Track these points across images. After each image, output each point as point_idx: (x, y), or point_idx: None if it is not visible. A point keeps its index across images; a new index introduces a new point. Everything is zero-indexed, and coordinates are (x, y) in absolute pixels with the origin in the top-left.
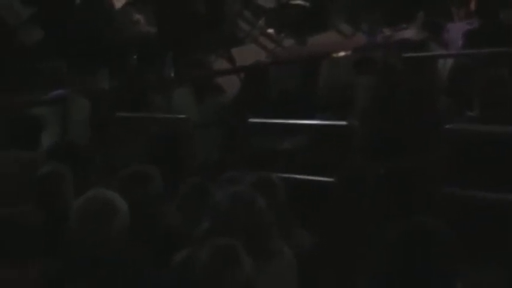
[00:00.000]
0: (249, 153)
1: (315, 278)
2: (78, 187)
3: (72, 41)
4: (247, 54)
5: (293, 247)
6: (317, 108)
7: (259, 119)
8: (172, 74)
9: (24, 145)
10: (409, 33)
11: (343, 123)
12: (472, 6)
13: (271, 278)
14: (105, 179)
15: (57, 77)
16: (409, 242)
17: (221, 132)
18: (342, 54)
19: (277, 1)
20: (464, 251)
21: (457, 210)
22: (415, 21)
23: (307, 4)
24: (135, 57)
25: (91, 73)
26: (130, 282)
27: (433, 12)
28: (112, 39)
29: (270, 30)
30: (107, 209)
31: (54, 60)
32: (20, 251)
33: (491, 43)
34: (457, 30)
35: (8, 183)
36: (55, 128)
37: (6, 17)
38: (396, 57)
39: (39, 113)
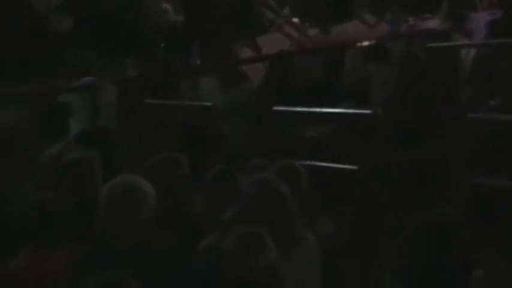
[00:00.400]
0: (273, 141)
1: (337, 264)
2: (107, 173)
3: (101, 29)
4: (272, 43)
5: (316, 234)
6: (341, 97)
7: (283, 107)
8: (199, 62)
9: (53, 131)
10: (433, 23)
11: (368, 111)
12: None
13: (295, 264)
14: (133, 165)
15: (86, 65)
16: (427, 233)
17: (246, 120)
18: (365, 43)
19: None
20: (487, 241)
21: (480, 200)
22: (439, 12)
23: None
24: (162, 45)
25: (119, 61)
26: (157, 268)
27: (457, 3)
28: (140, 28)
29: (295, 19)
30: (134, 195)
31: (83, 48)
32: (49, 237)
33: None
34: (480, 20)
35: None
36: (83, 114)
37: (36, 6)
38: (420, 47)
39: (68, 100)
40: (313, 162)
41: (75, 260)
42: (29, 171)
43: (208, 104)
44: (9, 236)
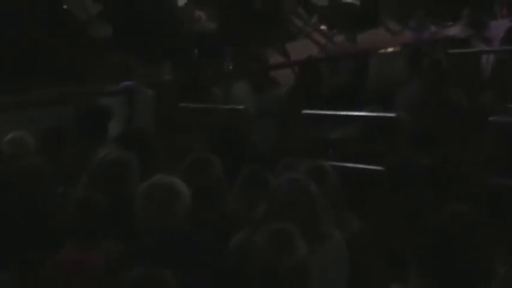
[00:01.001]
0: (302, 142)
1: (363, 260)
2: (144, 173)
3: (138, 36)
4: (300, 49)
5: (343, 231)
6: (367, 101)
7: (312, 110)
8: (231, 67)
9: (93, 133)
10: (455, 30)
11: (392, 115)
12: None
13: (322, 260)
14: (169, 165)
15: (124, 69)
16: (445, 230)
17: (276, 123)
18: (390, 50)
19: None
20: (506, 239)
21: (500, 200)
22: (460, 19)
23: (358, 2)
24: (196, 51)
25: (156, 66)
26: (191, 263)
27: (478, 11)
28: (175, 35)
29: (323, 27)
30: (169, 193)
31: (122, 54)
32: (90, 232)
33: None
34: (499, 27)
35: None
36: (122, 117)
37: (77, 14)
38: (442, 53)
39: (108, 103)
40: (339, 163)
41: (114, 254)
42: (72, 170)
43: (240, 107)
44: (54, 232)
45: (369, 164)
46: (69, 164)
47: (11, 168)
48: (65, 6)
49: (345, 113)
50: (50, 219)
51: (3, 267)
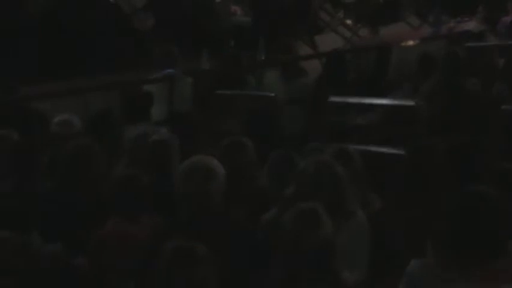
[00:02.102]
0: (328, 127)
1: (384, 236)
2: (184, 153)
3: (179, 28)
4: (327, 42)
5: (366, 210)
6: (388, 89)
7: (337, 98)
8: (264, 58)
9: (138, 116)
10: (470, 25)
11: (411, 103)
12: None
13: (347, 236)
14: (206, 147)
15: (166, 59)
16: (464, 208)
17: (305, 109)
18: (410, 43)
19: None
20: None
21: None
22: (475, 15)
23: None
24: (232, 42)
25: (195, 56)
26: (226, 236)
27: (492, 7)
28: (213, 27)
29: (348, 21)
30: (206, 173)
31: (164, 44)
32: (133, 208)
33: None
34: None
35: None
36: (164, 102)
37: (123, 6)
38: (458, 46)
39: (151, 89)
40: (363, 147)
41: (155, 228)
42: (118, 149)
43: (271, 94)
44: (100, 206)
45: (390, 148)
46: (115, 144)
47: (61, 147)
48: (112, 0)
49: (368, 100)
50: (97, 195)
51: (55, 238)
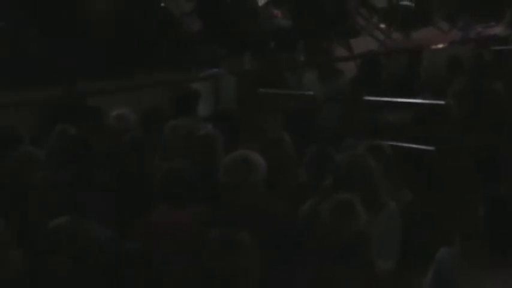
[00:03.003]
0: (363, 124)
1: (414, 227)
2: (228, 148)
3: (224, 31)
4: (362, 44)
5: (397, 202)
6: (419, 89)
7: (372, 97)
8: (303, 59)
9: (186, 112)
10: (497, 29)
11: (441, 102)
12: None
13: (380, 226)
14: (249, 141)
15: (212, 59)
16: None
17: (341, 107)
18: (440, 46)
19: (389, 1)
20: None
21: None
22: (502, 20)
23: (413, 5)
24: (273, 44)
25: (238, 56)
26: (266, 225)
27: None
28: (255, 30)
29: (382, 25)
30: (248, 166)
31: (210, 45)
32: (180, 197)
33: None
34: None
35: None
36: (209, 99)
37: (173, 10)
38: (485, 49)
39: (198, 88)
40: (395, 143)
41: (200, 217)
42: (166, 143)
43: (310, 93)
44: (149, 196)
45: (420, 144)
46: (164, 138)
47: (117, 140)
48: (162, 4)
49: (400, 99)
50: (147, 184)
51: (108, 225)
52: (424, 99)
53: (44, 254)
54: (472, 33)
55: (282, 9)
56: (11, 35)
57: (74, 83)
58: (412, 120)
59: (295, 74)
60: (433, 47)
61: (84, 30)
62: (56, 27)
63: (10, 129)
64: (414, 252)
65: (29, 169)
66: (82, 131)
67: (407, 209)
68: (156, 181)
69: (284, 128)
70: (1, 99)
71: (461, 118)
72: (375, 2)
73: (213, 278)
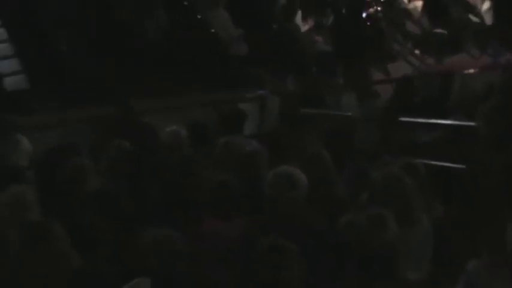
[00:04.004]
0: (398, 143)
1: (445, 240)
2: (272, 163)
3: (269, 54)
4: (398, 69)
5: (430, 217)
6: (451, 111)
7: (406, 118)
8: (342, 81)
9: (233, 130)
10: None
11: (472, 123)
12: None
13: (412, 239)
14: (291, 158)
15: (257, 81)
16: None
17: (378, 127)
18: (471, 71)
19: (423, 28)
20: None
21: None
22: None
23: (446, 32)
24: (314, 67)
25: (282, 78)
26: (307, 236)
27: None
28: (298, 54)
29: (416, 51)
30: (290, 181)
31: (256, 68)
32: (228, 208)
33: None
34: None
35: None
36: (255, 118)
37: (222, 35)
38: None
39: (244, 107)
40: (428, 161)
41: (246, 227)
42: (215, 158)
43: (348, 113)
44: (197, 208)
45: (452, 163)
46: (212, 153)
47: (171, 156)
48: (212, 30)
49: (433, 120)
50: (197, 196)
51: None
52: (455, 120)
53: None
54: (501, 59)
55: (323, 35)
56: (71, 58)
57: (129, 102)
58: (444, 140)
59: (335, 96)
60: (465, 71)
61: (138, 53)
62: (112, 49)
63: (70, 143)
64: (445, 263)
65: (81, 179)
66: (137, 146)
67: (439, 223)
68: (205, 193)
69: (324, 146)
70: (64, 116)
71: (491, 138)
72: (410, 29)
73: (260, 286)
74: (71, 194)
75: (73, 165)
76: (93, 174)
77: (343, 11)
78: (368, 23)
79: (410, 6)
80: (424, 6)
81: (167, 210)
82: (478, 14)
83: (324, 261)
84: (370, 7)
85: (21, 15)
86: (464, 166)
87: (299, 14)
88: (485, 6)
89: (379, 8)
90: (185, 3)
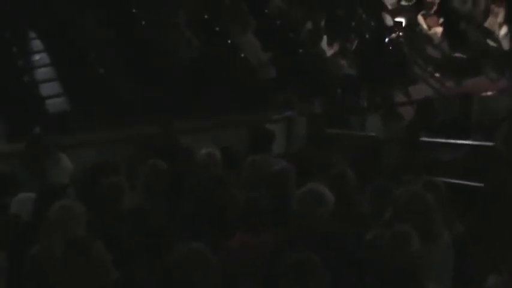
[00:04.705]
0: (420, 162)
1: (466, 256)
2: (299, 181)
3: (296, 78)
4: (419, 91)
5: (450, 233)
6: (470, 132)
7: (428, 138)
8: (366, 103)
9: (262, 150)
10: None
11: (491, 143)
12: None
13: (434, 255)
14: (318, 176)
15: (285, 102)
16: None
17: (400, 147)
18: (489, 93)
19: (443, 53)
20: None
21: None
22: None
23: (465, 56)
24: (340, 90)
25: (309, 100)
26: (333, 251)
27: None
28: (324, 77)
29: (437, 74)
30: (317, 197)
31: (284, 91)
32: (257, 224)
33: None
34: None
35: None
36: (282, 139)
37: (252, 59)
38: None
39: (272, 128)
40: (449, 179)
41: (274, 241)
42: (244, 176)
43: (372, 134)
44: (228, 223)
45: (472, 181)
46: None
47: (205, 176)
48: (242, 55)
49: (453, 141)
50: (228, 212)
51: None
52: (474, 140)
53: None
54: None
55: (347, 59)
56: (109, 81)
57: (168, 122)
58: (463, 159)
59: (359, 117)
60: (483, 94)
61: (174, 77)
62: (148, 72)
63: (109, 162)
64: (465, 280)
65: (118, 196)
66: (172, 165)
67: (459, 240)
68: (235, 210)
69: (349, 165)
70: (102, 135)
71: (509, 158)
72: (431, 54)
73: None
74: (108, 210)
75: (111, 183)
76: (130, 191)
77: (367, 36)
78: (390, 48)
79: (431, 31)
80: (444, 31)
81: (200, 226)
82: (495, 39)
83: (348, 275)
84: (392, 33)
85: (62, 41)
86: (483, 184)
87: (324, 39)
88: (503, 31)
89: (401, 34)
90: (217, 29)
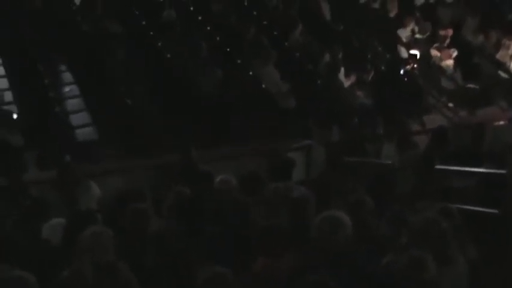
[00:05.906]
0: (435, 189)
1: (480, 282)
2: (319, 208)
3: (315, 107)
4: (433, 120)
5: (466, 258)
6: (483, 160)
7: (442, 165)
8: (382, 132)
9: (282, 177)
10: None
11: (503, 171)
12: None
13: (450, 279)
14: (336, 203)
15: (304, 131)
16: None
17: (415, 175)
18: (501, 122)
19: (456, 84)
20: None
21: None
22: None
23: (477, 87)
24: (356, 119)
25: (327, 129)
26: (351, 273)
27: None
28: (341, 107)
29: (450, 104)
30: (336, 223)
31: (303, 120)
32: (276, 247)
33: None
34: None
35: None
36: (302, 166)
37: (271, 89)
38: None
39: (292, 156)
40: (463, 206)
41: (295, 266)
42: (266, 202)
43: (388, 162)
44: (250, 248)
45: (485, 208)
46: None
47: (227, 201)
48: (263, 86)
49: (466, 168)
50: (250, 237)
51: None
52: (487, 168)
53: None
54: None
55: (364, 90)
56: (135, 111)
57: (189, 151)
58: (476, 187)
59: (376, 145)
60: (495, 123)
61: (196, 108)
62: (172, 103)
63: (135, 189)
64: None
65: (144, 222)
66: (195, 192)
67: (473, 265)
68: (257, 235)
69: (366, 192)
70: (132, 164)
71: None
72: (444, 84)
73: None
74: (134, 235)
75: (136, 210)
76: (155, 217)
77: (383, 68)
78: (405, 79)
79: (444, 63)
80: (457, 63)
81: (223, 251)
82: (507, 70)
83: None
84: (407, 64)
85: (91, 73)
86: (495, 210)
87: (342, 70)
88: None
89: (415, 65)
90: (238, 61)
